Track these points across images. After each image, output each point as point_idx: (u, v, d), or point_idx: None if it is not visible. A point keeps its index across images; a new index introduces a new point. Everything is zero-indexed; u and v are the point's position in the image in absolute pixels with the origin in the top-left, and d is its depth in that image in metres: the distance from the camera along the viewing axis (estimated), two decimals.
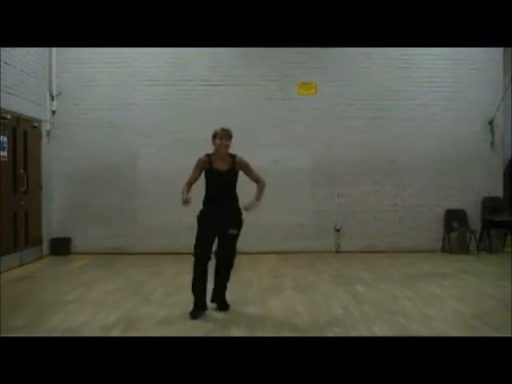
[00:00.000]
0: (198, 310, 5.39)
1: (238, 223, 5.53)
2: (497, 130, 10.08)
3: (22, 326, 5.01)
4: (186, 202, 5.32)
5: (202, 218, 5.53)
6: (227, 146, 5.50)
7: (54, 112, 9.71)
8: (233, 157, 5.55)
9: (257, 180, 5.64)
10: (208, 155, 5.56)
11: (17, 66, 8.34)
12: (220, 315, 5.46)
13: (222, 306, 5.66)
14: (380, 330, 4.92)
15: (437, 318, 5.32)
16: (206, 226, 5.46)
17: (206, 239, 5.46)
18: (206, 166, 5.51)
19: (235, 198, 5.57)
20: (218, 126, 5.60)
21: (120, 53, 9.56)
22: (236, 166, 5.52)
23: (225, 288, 5.71)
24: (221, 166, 5.50)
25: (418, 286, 6.88)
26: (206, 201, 5.57)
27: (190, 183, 5.51)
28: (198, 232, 5.52)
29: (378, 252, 9.75)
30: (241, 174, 5.59)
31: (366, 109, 9.93)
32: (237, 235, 5.55)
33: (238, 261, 8.61)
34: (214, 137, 5.53)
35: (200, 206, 5.56)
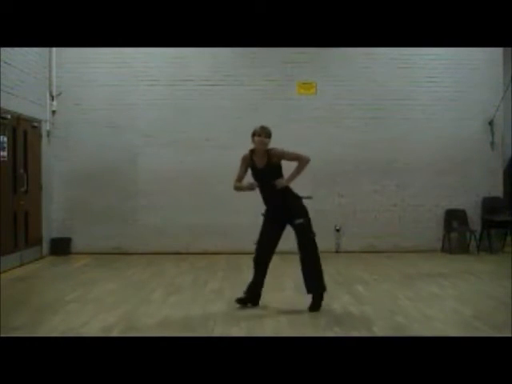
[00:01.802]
0: (246, 299, 5.67)
1: (301, 211, 5.56)
2: (497, 130, 10.08)
3: (21, 326, 5.00)
4: (251, 184, 5.48)
5: (265, 216, 5.71)
6: (265, 144, 5.54)
7: (54, 112, 9.71)
8: (267, 151, 5.55)
9: (297, 158, 5.59)
10: (251, 150, 5.64)
11: (17, 65, 8.34)
12: (220, 315, 5.46)
13: (314, 306, 5.56)
14: (380, 330, 4.92)
15: (437, 318, 5.32)
16: (268, 225, 5.64)
17: (268, 238, 5.63)
18: (249, 163, 5.62)
19: (287, 189, 5.57)
20: (257, 125, 5.69)
21: (120, 53, 9.56)
22: (272, 159, 5.52)
23: (320, 282, 5.56)
24: (259, 163, 5.58)
25: (417, 286, 6.88)
26: (263, 199, 5.68)
27: (239, 180, 5.67)
28: (263, 226, 5.71)
29: (378, 252, 9.75)
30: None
31: (366, 109, 9.93)
32: (305, 224, 5.54)
33: (238, 261, 8.68)
34: (254, 135, 5.58)
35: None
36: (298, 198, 5.62)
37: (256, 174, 5.60)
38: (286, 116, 9.82)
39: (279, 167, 5.57)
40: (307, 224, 5.57)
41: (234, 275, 7.68)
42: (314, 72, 9.91)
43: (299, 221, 5.53)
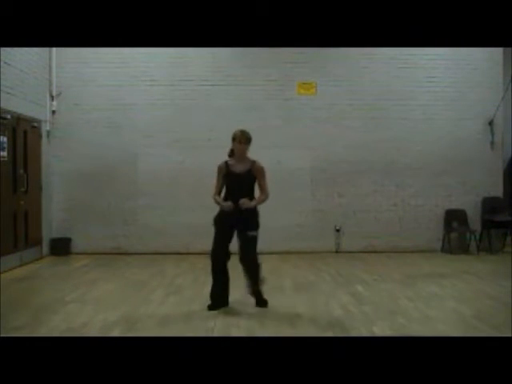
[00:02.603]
0: (215, 305, 5.66)
1: (257, 225, 5.62)
2: (497, 130, 10.08)
3: (22, 326, 5.00)
4: (228, 206, 5.44)
5: (219, 220, 5.64)
6: (245, 150, 5.62)
7: (54, 112, 9.71)
8: (253, 162, 5.66)
9: (262, 189, 5.68)
10: (225, 161, 5.72)
11: (17, 66, 8.33)
12: (220, 315, 5.46)
13: (260, 303, 5.76)
14: (380, 329, 4.92)
15: (437, 318, 5.32)
16: (224, 228, 5.59)
17: (224, 240, 5.60)
18: (224, 171, 5.65)
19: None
20: (237, 128, 5.75)
21: (120, 53, 9.56)
22: (254, 170, 5.61)
23: (257, 286, 5.74)
24: (238, 168, 5.62)
25: (418, 286, 6.88)
26: (225, 199, 5.62)
27: (218, 192, 5.68)
28: (216, 234, 5.66)
29: (378, 252, 9.75)
30: None
31: (366, 109, 9.93)
32: (256, 237, 5.61)
33: (238, 261, 8.66)
34: (234, 139, 5.64)
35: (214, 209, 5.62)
36: (257, 214, 5.65)
37: (232, 178, 5.60)
38: (286, 116, 9.82)
39: (255, 179, 5.64)
40: (256, 238, 5.64)
41: (233, 275, 7.66)
42: (314, 72, 9.91)
43: (253, 233, 5.59)
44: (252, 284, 5.75)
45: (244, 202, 5.44)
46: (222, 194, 5.68)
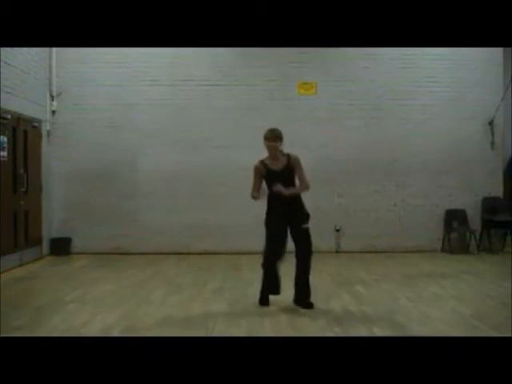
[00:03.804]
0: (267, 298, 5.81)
1: (307, 216, 5.70)
2: (497, 130, 10.07)
3: (22, 326, 5.00)
4: (278, 188, 5.49)
5: (271, 219, 5.67)
6: (274, 147, 5.63)
7: (54, 112, 9.71)
8: (287, 155, 5.70)
9: (301, 180, 5.73)
10: (261, 161, 5.72)
11: (17, 65, 8.34)
12: (220, 315, 5.46)
13: (307, 305, 5.75)
14: (380, 330, 4.92)
15: (437, 318, 5.32)
16: (278, 226, 5.62)
17: (279, 238, 5.64)
18: (263, 171, 5.67)
19: (297, 194, 5.70)
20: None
21: (120, 53, 9.55)
22: (290, 163, 5.66)
23: (306, 287, 5.79)
24: (276, 165, 5.66)
25: (418, 286, 6.88)
26: (272, 201, 5.66)
27: (257, 190, 5.71)
28: (270, 232, 5.68)
29: (378, 252, 9.75)
30: None
31: (366, 109, 9.93)
32: (309, 228, 5.70)
33: (238, 261, 8.68)
34: (264, 138, 5.67)
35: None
36: (304, 206, 5.76)
37: (272, 177, 5.62)
38: (286, 116, 9.81)
39: (294, 171, 5.69)
40: (309, 231, 5.74)
41: (234, 275, 7.68)
42: (314, 72, 9.91)
43: (306, 225, 5.69)
44: (305, 280, 5.74)
45: (279, 187, 5.47)
46: (265, 195, 5.67)
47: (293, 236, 5.70)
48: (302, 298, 5.76)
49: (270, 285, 5.81)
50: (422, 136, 9.98)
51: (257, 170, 5.69)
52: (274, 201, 5.62)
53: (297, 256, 5.72)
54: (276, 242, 5.64)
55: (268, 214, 5.70)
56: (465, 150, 10.00)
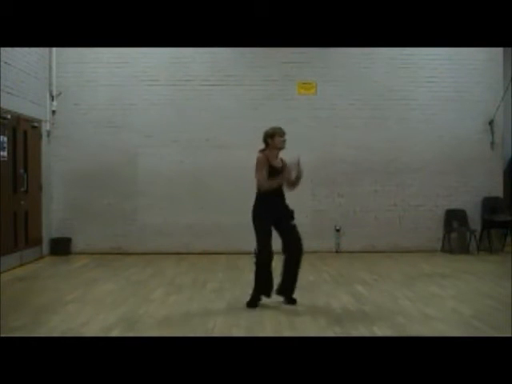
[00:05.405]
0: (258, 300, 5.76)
1: (293, 213, 5.80)
2: (497, 130, 10.08)
3: (22, 326, 5.00)
4: (281, 181, 5.68)
5: (263, 213, 5.67)
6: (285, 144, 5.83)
7: (54, 112, 9.71)
8: (281, 158, 5.87)
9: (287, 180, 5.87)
10: (263, 153, 5.78)
11: (17, 66, 8.33)
12: (220, 315, 5.46)
13: (290, 300, 5.83)
14: (380, 330, 4.92)
15: (437, 318, 5.32)
16: (269, 222, 5.66)
17: (270, 235, 5.67)
18: (267, 165, 5.73)
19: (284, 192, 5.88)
20: (273, 126, 5.92)
21: (120, 53, 9.56)
22: (284, 163, 5.82)
23: (295, 282, 5.80)
24: (276, 163, 5.80)
25: (417, 286, 6.88)
26: (267, 196, 5.68)
27: (268, 179, 5.73)
28: (262, 227, 5.66)
29: (378, 252, 9.75)
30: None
31: (367, 109, 9.93)
32: (296, 226, 5.79)
33: (238, 261, 8.67)
34: (273, 135, 5.76)
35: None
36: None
37: (273, 173, 5.70)
38: (286, 116, 9.80)
39: (284, 171, 5.78)
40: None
41: (234, 275, 7.68)
42: (314, 72, 9.91)
43: (294, 222, 5.78)
44: (293, 278, 5.74)
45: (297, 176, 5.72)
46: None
47: (283, 233, 5.73)
48: (288, 292, 5.79)
49: (264, 285, 5.77)
50: (421, 136, 9.99)
51: (264, 161, 5.71)
52: (269, 197, 5.66)
53: (288, 251, 5.72)
54: (269, 237, 5.66)
55: (260, 210, 5.69)
56: (465, 150, 10.00)
